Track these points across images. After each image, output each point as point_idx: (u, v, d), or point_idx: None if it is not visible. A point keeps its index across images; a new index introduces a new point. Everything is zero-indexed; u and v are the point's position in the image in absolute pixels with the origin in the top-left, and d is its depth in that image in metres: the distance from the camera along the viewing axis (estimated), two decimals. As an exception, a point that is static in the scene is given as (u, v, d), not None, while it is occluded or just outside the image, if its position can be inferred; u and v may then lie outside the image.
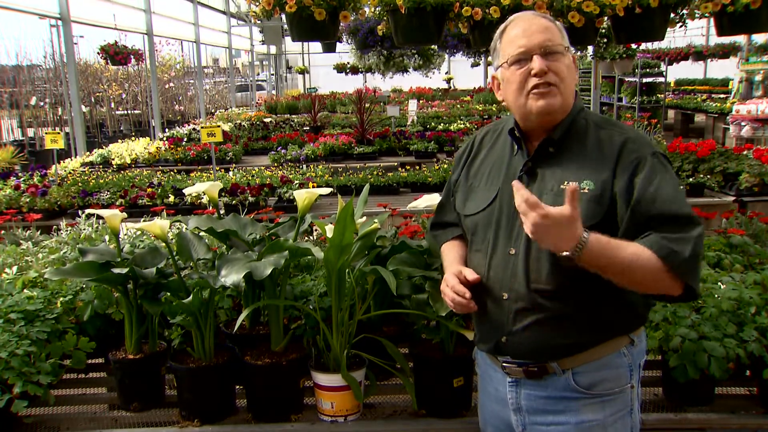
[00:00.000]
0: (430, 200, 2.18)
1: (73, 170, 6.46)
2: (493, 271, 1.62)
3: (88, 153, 7.77)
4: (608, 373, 1.57)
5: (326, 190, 2.23)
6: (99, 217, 3.13)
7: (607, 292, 1.50)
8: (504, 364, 1.65)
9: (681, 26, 3.92)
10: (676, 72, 18.30)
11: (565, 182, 1.53)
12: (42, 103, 11.84)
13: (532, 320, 1.56)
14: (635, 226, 1.48)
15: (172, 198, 4.90)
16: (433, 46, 9.96)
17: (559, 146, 1.59)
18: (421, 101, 13.41)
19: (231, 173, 5.81)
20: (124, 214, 2.23)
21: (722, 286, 2.24)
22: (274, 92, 21.62)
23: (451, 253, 1.79)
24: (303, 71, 19.90)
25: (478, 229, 1.68)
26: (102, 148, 7.96)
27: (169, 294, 2.09)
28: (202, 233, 2.20)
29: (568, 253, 1.40)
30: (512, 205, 1.55)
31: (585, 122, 1.61)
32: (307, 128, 9.76)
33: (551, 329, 1.55)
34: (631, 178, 1.50)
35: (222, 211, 3.35)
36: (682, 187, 1.57)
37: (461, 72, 20.89)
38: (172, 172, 6.37)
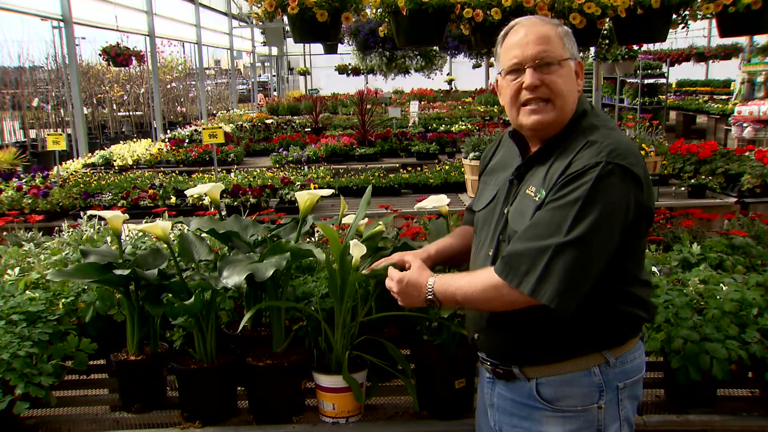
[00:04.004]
0: (437, 201, 2.18)
1: (74, 171, 6.46)
2: (474, 269, 1.67)
3: (89, 154, 7.76)
4: (573, 390, 1.53)
5: (328, 192, 2.23)
6: (101, 218, 3.12)
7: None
8: (482, 359, 1.70)
9: (683, 27, 3.91)
10: (677, 73, 18.28)
11: (531, 188, 1.53)
12: (44, 105, 11.85)
13: (495, 323, 1.59)
14: None
15: (173, 199, 4.89)
16: (434, 48, 9.96)
17: (547, 154, 1.56)
18: (422, 102, 13.38)
19: (232, 174, 5.80)
20: (126, 216, 2.23)
21: (724, 288, 2.24)
22: (275, 93, 21.64)
23: (445, 238, 1.91)
24: (304, 72, 19.90)
25: (478, 226, 1.72)
26: (104, 150, 7.96)
27: (170, 295, 2.09)
28: (203, 235, 2.20)
29: (427, 304, 1.59)
30: (502, 207, 1.61)
31: (577, 129, 1.54)
32: (309, 129, 9.75)
33: (510, 335, 1.57)
34: (551, 192, 1.46)
35: (224, 213, 3.37)
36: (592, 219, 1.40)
37: (463, 73, 20.85)
38: (173, 174, 6.37)
